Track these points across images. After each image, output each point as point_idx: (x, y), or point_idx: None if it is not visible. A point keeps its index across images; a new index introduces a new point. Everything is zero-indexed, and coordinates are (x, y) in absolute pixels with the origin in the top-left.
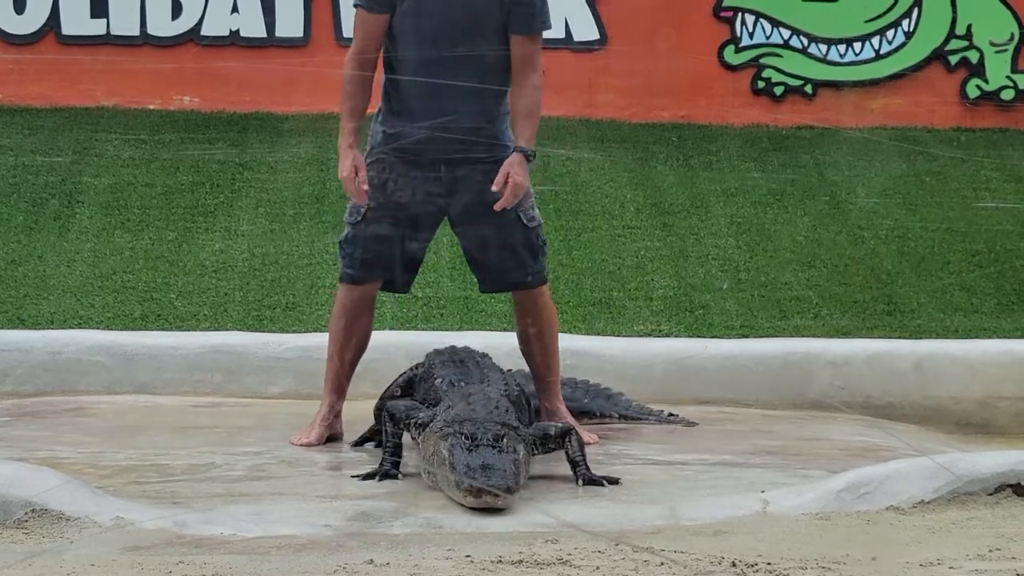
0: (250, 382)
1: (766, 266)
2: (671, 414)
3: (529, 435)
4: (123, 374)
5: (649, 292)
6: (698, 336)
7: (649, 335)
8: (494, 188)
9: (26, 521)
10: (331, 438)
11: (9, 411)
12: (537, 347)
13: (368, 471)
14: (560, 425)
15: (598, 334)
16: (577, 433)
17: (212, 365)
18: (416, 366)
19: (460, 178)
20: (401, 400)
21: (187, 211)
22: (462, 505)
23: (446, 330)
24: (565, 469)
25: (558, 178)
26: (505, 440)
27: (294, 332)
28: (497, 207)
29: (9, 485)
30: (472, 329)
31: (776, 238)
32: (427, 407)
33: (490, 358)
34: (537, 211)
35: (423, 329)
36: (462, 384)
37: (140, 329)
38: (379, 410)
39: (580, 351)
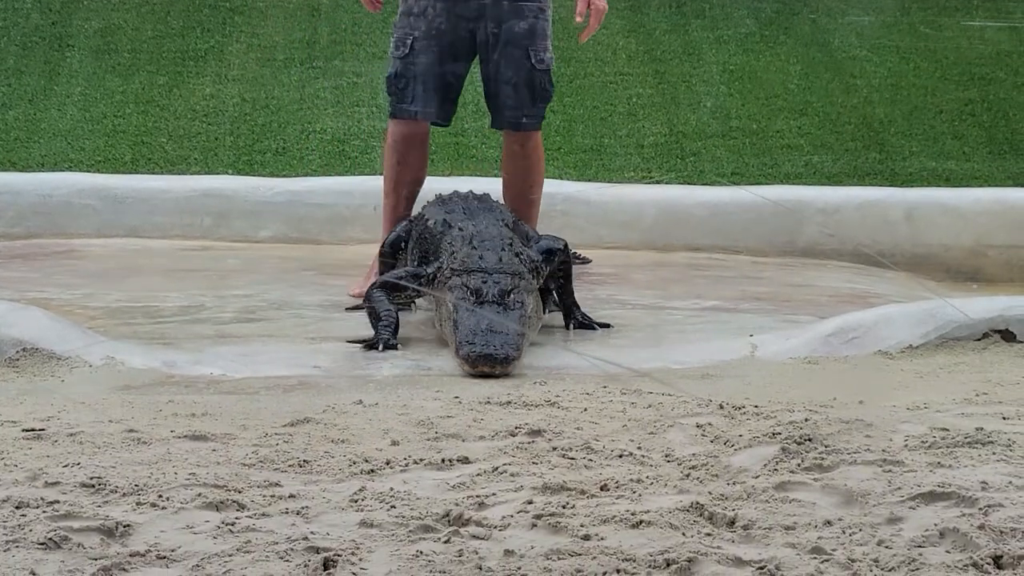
0: (240, 226)
1: (757, 114)
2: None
3: (534, 261)
4: (113, 217)
5: (640, 139)
6: (689, 183)
7: (640, 182)
8: (578, 18)
9: (17, 360)
10: None
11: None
12: (517, 194)
13: (367, 339)
14: (560, 242)
15: (589, 180)
16: (568, 256)
17: (202, 209)
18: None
19: (488, 4)
20: (390, 273)
21: (178, 55)
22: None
23: (437, 175)
24: (555, 316)
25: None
26: (512, 295)
27: (284, 176)
28: (582, 38)
29: (1, 324)
30: (463, 174)
31: (768, 86)
32: (423, 258)
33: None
34: (550, 55)
35: None
36: (458, 223)
37: (131, 172)
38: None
39: (571, 197)
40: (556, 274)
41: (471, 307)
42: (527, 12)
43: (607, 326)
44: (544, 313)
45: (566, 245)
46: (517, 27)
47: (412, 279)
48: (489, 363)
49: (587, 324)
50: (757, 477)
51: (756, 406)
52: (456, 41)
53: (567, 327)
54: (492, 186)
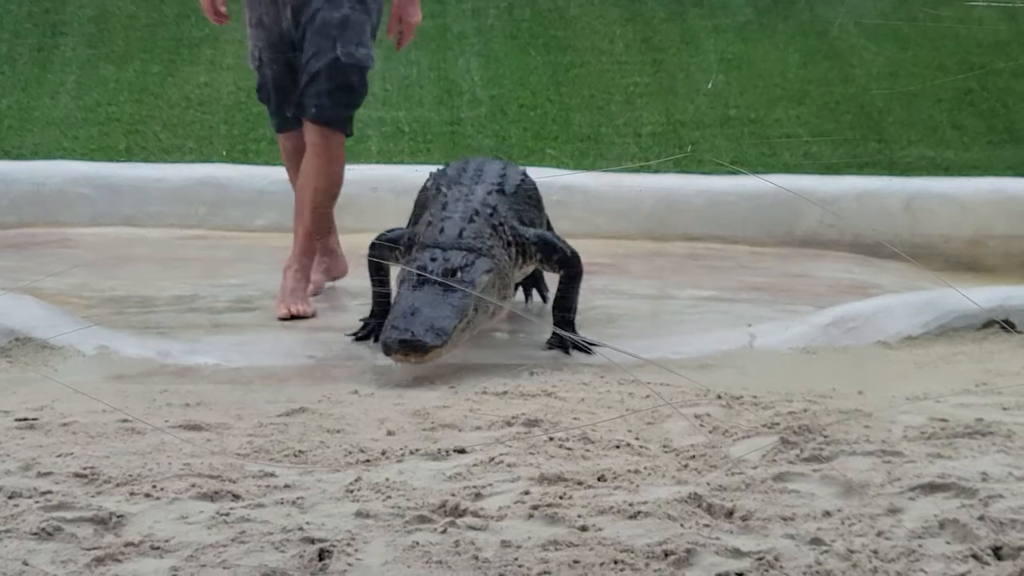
0: (235, 215)
1: (756, 103)
2: None
3: (520, 238)
4: (108, 206)
5: (638, 128)
6: (687, 172)
7: (638, 171)
8: (388, 33)
9: (10, 350)
10: (335, 279)
11: None
12: (300, 194)
13: (358, 331)
14: (570, 250)
15: (586, 170)
16: (578, 266)
17: (197, 198)
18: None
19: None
20: (381, 235)
21: (172, 43)
22: None
23: (432, 163)
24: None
25: (547, 13)
26: (463, 273)
27: (279, 165)
28: (399, 48)
29: None
30: None
31: (766, 75)
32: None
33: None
34: (364, 51)
35: (409, 163)
36: (446, 188)
37: (125, 161)
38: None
39: (568, 186)
40: (561, 280)
41: (411, 286)
42: (343, 2)
43: (587, 351)
44: (527, 302)
45: (575, 255)
46: (329, 15)
47: (392, 248)
48: (404, 350)
49: (563, 346)
50: (755, 468)
51: (754, 396)
52: (292, 40)
53: (546, 342)
54: None
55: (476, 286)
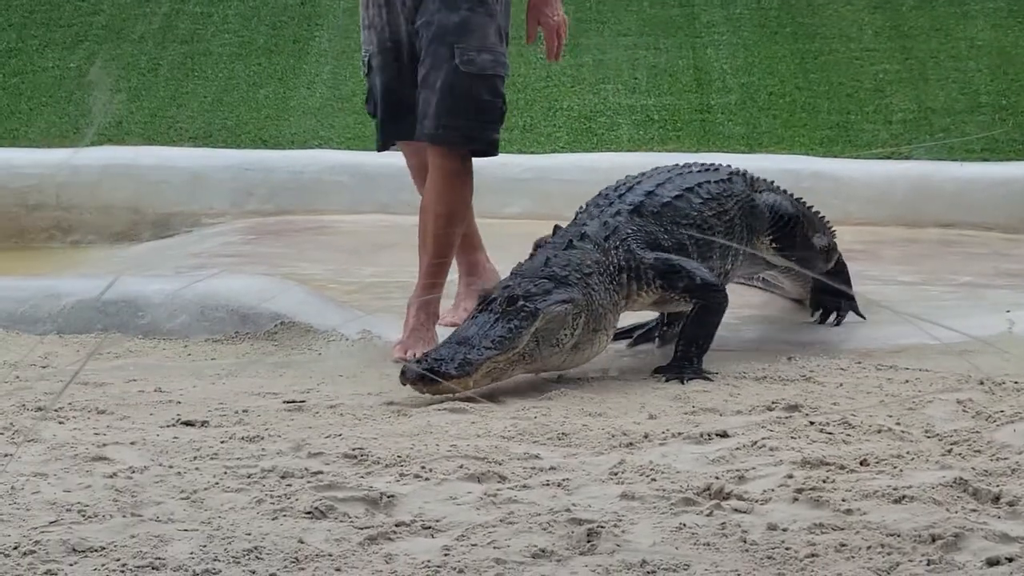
0: (489, 202)
1: (1007, 89)
2: None
3: (641, 262)
4: (364, 194)
5: (888, 115)
6: (939, 159)
7: (888, 158)
8: (528, 40)
9: (275, 333)
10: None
11: (253, 229)
12: (425, 220)
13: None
14: (702, 278)
15: (835, 156)
16: (713, 296)
17: None
18: None
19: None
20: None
21: None
22: None
23: (683, 152)
24: None
25: (795, 1)
26: (527, 302)
27: (531, 153)
28: (549, 58)
29: (259, 298)
30: (710, 151)
31: (1017, 61)
32: None
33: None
34: (488, 57)
35: (659, 151)
36: (584, 205)
37: None
38: None
39: (818, 173)
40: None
41: (474, 314)
42: (460, 3)
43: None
44: (605, 339)
45: (708, 284)
46: (446, 19)
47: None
48: (416, 382)
49: (679, 374)
50: (1021, 453)
51: (1016, 382)
52: (407, 45)
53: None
54: (738, 163)
55: (540, 316)
